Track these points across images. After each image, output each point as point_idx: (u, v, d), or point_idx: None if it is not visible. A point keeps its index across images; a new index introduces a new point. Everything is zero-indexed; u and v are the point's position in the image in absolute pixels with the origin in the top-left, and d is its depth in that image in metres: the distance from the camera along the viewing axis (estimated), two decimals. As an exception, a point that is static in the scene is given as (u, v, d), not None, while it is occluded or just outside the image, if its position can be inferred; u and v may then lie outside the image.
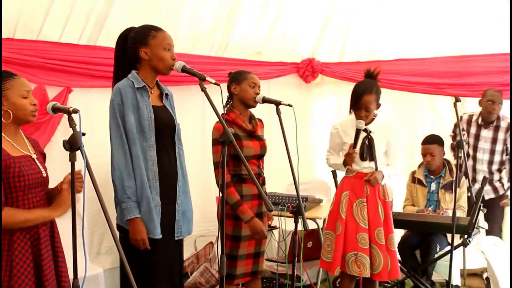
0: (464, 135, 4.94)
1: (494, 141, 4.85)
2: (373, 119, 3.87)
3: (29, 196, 2.48)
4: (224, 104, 3.53)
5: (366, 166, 3.81)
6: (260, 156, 3.57)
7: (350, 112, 3.86)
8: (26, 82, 2.53)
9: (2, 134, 2.46)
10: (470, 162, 4.92)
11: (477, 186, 4.77)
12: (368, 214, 3.77)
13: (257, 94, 3.48)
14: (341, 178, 3.97)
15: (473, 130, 4.98)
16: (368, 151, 3.79)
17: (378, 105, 3.83)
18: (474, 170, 4.96)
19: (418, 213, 4.56)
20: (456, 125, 4.87)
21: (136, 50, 2.88)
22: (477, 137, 4.95)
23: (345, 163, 3.80)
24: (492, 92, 4.85)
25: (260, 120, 3.70)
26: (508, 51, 5.13)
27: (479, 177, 4.81)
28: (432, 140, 4.73)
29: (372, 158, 3.79)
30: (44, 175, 2.56)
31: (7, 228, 2.38)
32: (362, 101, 3.73)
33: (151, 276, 2.84)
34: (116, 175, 2.81)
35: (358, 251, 3.69)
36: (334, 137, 3.96)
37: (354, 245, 3.71)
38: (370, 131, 3.80)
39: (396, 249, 3.85)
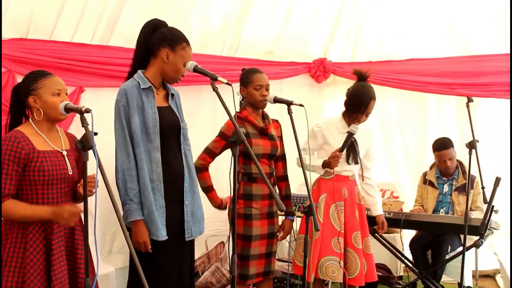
0: None
1: None
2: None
3: (49, 191, 2.53)
4: (240, 101, 3.55)
5: (346, 169, 3.75)
6: (271, 156, 3.52)
7: (347, 113, 3.75)
8: (59, 81, 2.61)
9: (36, 128, 2.56)
10: None
11: None
12: (346, 217, 3.71)
13: (264, 96, 3.45)
14: (316, 179, 3.86)
15: None
16: (353, 154, 3.74)
17: None
18: None
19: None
20: None
21: (159, 48, 2.84)
22: None
23: (326, 166, 3.67)
24: None
25: (276, 121, 3.68)
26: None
27: None
28: (447, 145, 4.61)
29: (357, 161, 3.74)
30: (71, 173, 2.59)
31: (8, 219, 2.47)
32: (369, 106, 3.68)
33: (155, 276, 2.83)
34: (119, 177, 2.80)
35: (332, 256, 3.63)
36: (317, 136, 3.80)
37: (329, 249, 3.65)
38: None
39: (372, 252, 3.78)
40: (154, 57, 2.88)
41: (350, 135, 3.64)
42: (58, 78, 2.62)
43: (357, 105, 3.69)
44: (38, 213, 2.46)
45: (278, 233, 3.61)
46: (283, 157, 3.67)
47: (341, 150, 3.63)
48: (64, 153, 2.61)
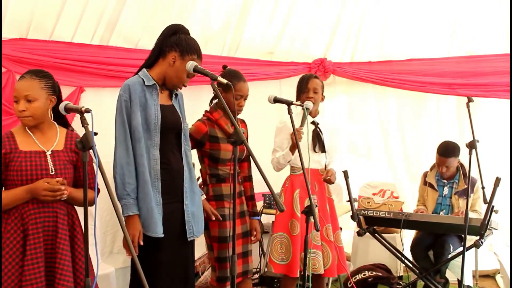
0: None
1: None
2: (318, 113, 3.94)
3: None
4: (212, 98, 3.51)
5: (315, 160, 3.80)
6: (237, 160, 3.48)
7: (299, 100, 3.85)
8: (17, 87, 2.58)
9: (27, 129, 2.61)
10: None
11: None
12: (318, 211, 3.76)
13: (241, 106, 3.44)
14: (287, 177, 3.96)
15: None
16: (319, 142, 3.83)
17: (323, 97, 3.93)
18: None
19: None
20: None
21: (170, 50, 2.85)
22: None
23: (292, 146, 3.71)
24: None
25: (243, 121, 3.66)
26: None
27: None
28: (450, 153, 4.53)
29: (323, 149, 3.84)
30: (52, 173, 2.57)
31: None
32: (309, 81, 3.83)
33: (156, 275, 2.83)
34: (117, 171, 2.78)
35: (312, 249, 3.69)
36: (282, 132, 3.87)
37: (309, 243, 3.69)
38: (318, 123, 3.86)
39: (343, 245, 3.94)
40: (163, 58, 2.88)
41: (306, 109, 3.65)
42: (19, 84, 2.59)
43: (300, 87, 3.91)
44: (14, 195, 2.49)
45: (251, 236, 3.59)
46: (248, 158, 3.62)
47: (301, 125, 3.66)
48: (48, 153, 2.60)
